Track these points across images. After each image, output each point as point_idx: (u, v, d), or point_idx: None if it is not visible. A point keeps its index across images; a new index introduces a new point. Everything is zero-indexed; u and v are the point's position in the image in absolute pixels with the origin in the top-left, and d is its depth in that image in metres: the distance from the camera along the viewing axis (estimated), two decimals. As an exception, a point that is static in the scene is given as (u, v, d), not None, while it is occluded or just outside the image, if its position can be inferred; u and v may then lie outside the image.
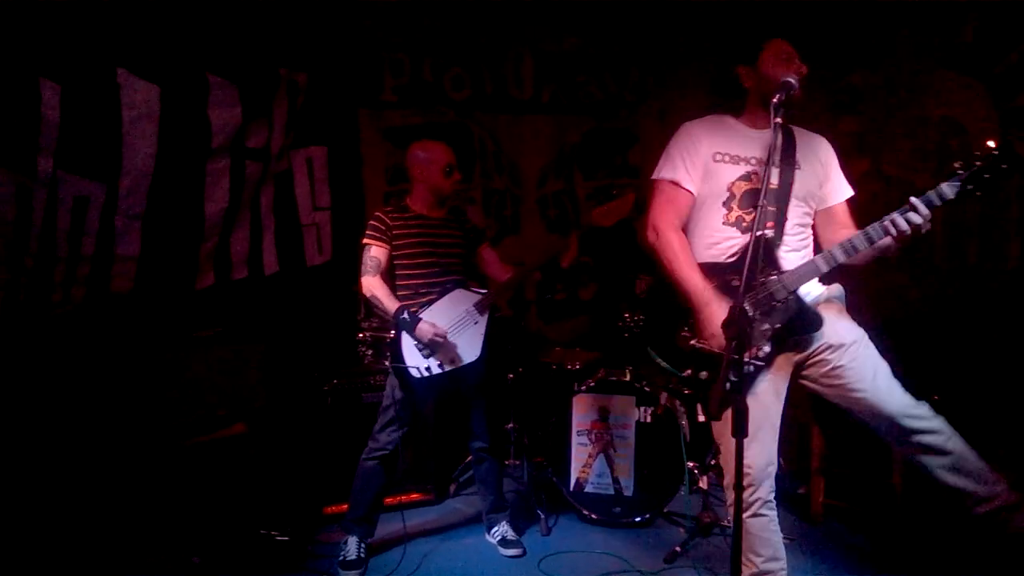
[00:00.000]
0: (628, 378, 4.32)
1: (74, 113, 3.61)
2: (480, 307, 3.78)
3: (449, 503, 4.68)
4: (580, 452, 4.32)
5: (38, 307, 3.77)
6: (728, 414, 2.29)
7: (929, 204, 2.58)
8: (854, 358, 2.88)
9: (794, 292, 2.80)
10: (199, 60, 4.14)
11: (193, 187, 4.28)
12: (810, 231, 3.02)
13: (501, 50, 5.69)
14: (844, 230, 2.94)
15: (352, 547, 3.77)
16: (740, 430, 2.16)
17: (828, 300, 2.97)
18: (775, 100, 2.57)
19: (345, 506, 3.92)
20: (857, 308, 3.03)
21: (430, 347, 3.66)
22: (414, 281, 3.76)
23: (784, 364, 2.90)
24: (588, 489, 4.29)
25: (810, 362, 2.93)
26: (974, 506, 2.89)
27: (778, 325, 2.80)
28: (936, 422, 2.90)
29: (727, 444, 2.83)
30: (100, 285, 4.01)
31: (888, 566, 3.62)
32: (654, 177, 3.01)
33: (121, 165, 3.87)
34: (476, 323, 3.77)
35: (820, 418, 4.18)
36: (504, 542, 3.94)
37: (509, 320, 5.21)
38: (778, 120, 2.55)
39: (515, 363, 4.78)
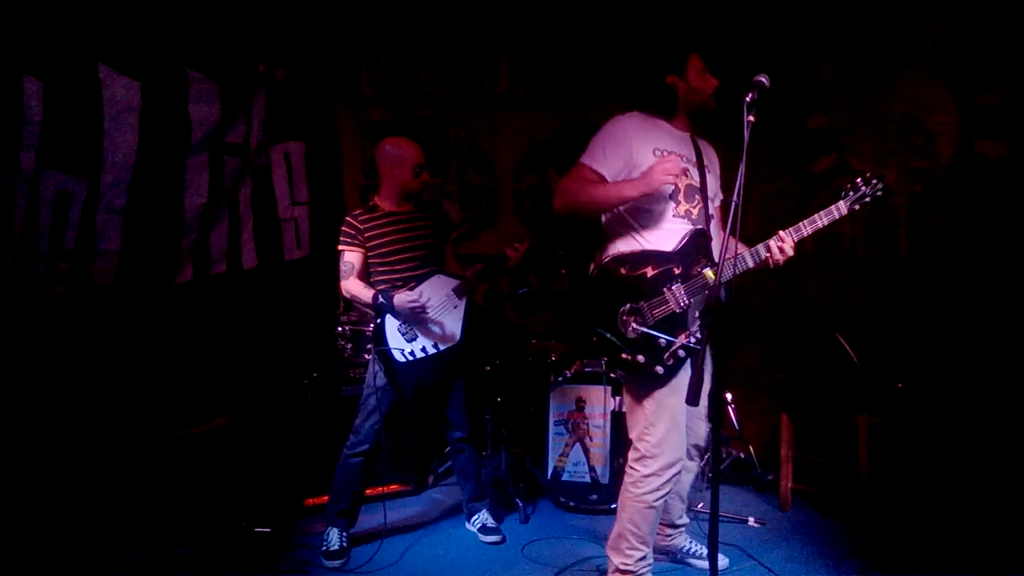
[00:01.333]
0: (604, 369, 4.42)
1: (56, 109, 3.61)
2: (459, 291, 3.86)
3: (428, 494, 4.75)
4: (557, 441, 4.42)
5: (20, 302, 3.78)
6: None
7: (799, 231, 2.96)
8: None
9: (724, 282, 2.97)
10: (179, 56, 4.16)
11: (173, 182, 4.30)
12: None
13: (476, 47, 5.75)
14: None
15: (334, 538, 3.82)
16: (719, 415, 2.26)
17: None
18: (748, 98, 2.62)
19: (325, 497, 3.98)
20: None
21: (414, 324, 3.74)
22: (392, 276, 3.81)
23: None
24: (565, 477, 4.39)
25: None
26: None
27: None
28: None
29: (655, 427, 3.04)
30: (81, 280, 4.02)
31: (855, 548, 3.74)
32: (579, 160, 3.16)
33: (103, 160, 3.88)
34: (456, 307, 3.85)
35: (788, 407, 4.31)
36: (484, 529, 4.03)
37: (486, 313, 5.28)
38: (751, 118, 2.59)
39: (492, 355, 4.85)
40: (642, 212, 3.09)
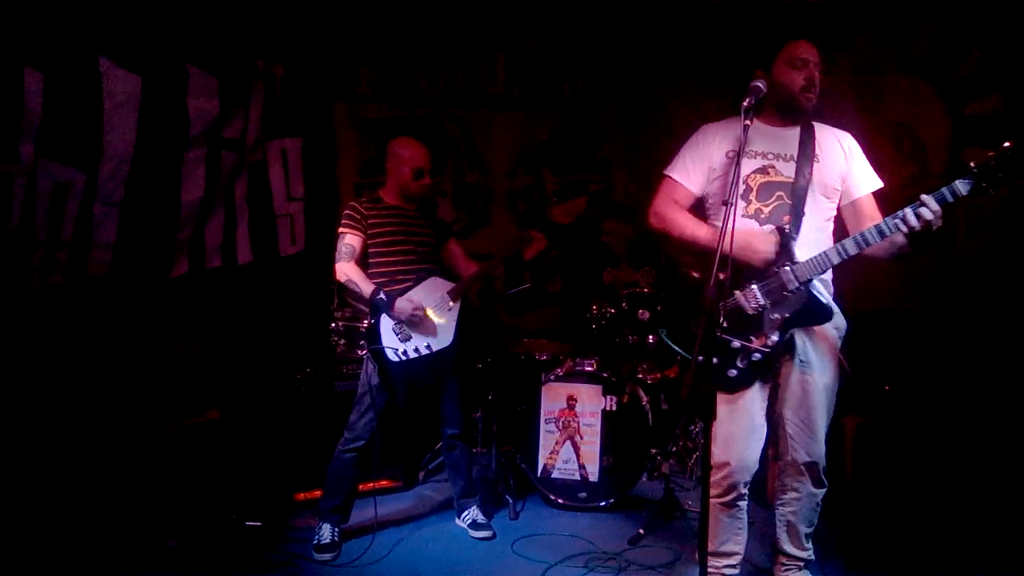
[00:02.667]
0: (595, 368, 4.46)
1: (56, 101, 3.64)
2: (453, 294, 3.91)
3: (418, 489, 4.78)
4: (548, 439, 4.45)
5: (16, 293, 3.79)
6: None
7: (941, 201, 2.63)
8: (811, 393, 3.05)
9: (805, 283, 2.86)
10: (179, 50, 4.18)
11: (170, 176, 4.33)
12: (830, 224, 3.08)
13: (475, 47, 5.79)
14: (869, 222, 2.91)
15: (326, 531, 3.85)
16: (710, 414, 2.30)
17: (827, 330, 3.06)
18: (744, 103, 2.67)
19: (316, 492, 4.01)
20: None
21: (408, 325, 3.79)
22: (391, 268, 3.86)
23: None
24: (555, 475, 4.42)
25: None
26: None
27: (787, 315, 2.88)
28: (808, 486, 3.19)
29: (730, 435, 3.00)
30: (77, 271, 4.03)
31: (840, 546, 3.78)
32: (663, 171, 3.16)
33: (101, 153, 3.90)
34: (450, 309, 3.90)
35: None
36: (475, 525, 4.06)
37: (478, 312, 5.31)
38: (747, 122, 2.65)
39: (484, 353, 4.88)
40: (713, 212, 3.11)
